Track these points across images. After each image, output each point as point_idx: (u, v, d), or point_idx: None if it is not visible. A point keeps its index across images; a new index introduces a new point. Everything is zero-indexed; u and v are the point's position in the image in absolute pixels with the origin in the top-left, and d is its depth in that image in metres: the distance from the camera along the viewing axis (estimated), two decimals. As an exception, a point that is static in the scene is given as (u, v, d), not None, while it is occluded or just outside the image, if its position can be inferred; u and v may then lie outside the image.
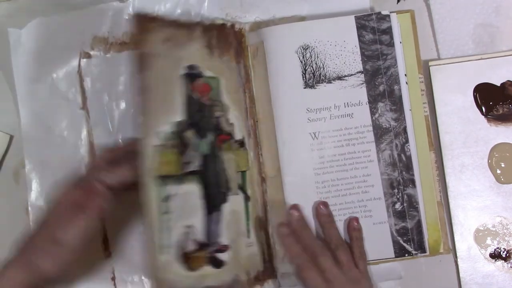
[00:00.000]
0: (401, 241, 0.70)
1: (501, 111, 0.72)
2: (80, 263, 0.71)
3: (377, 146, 0.70)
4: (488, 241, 0.71)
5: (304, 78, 0.70)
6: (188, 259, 0.66)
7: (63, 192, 0.63)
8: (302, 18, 0.74)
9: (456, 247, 0.71)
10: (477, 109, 0.73)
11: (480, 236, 0.71)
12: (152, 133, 0.65)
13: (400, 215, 0.70)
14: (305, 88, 0.70)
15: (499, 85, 0.72)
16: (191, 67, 0.69)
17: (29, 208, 0.74)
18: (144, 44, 0.65)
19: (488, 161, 0.72)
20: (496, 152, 0.72)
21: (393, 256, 0.70)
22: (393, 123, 0.70)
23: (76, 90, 0.75)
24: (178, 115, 0.67)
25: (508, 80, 0.72)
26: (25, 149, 0.74)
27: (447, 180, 0.72)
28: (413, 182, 0.70)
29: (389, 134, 0.70)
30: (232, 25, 0.72)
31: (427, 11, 0.75)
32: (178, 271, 0.65)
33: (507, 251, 0.71)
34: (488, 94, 0.72)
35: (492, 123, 0.72)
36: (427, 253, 0.70)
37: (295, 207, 0.69)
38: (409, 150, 0.70)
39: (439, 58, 0.74)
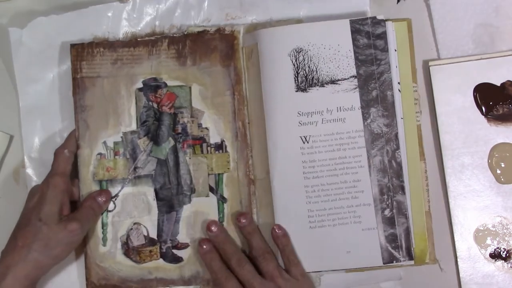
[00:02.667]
0: (390, 248, 0.69)
1: (501, 111, 0.72)
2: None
3: (368, 151, 0.70)
4: (488, 241, 0.71)
5: (296, 81, 0.70)
6: (136, 252, 0.72)
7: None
8: (300, 21, 0.74)
9: (456, 247, 0.71)
10: (477, 109, 0.73)
11: (480, 236, 0.71)
12: (95, 144, 0.72)
13: (389, 222, 0.69)
14: (297, 91, 0.70)
15: (499, 85, 0.73)
16: (151, 79, 0.73)
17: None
18: (81, 71, 0.73)
19: (488, 161, 0.72)
20: (496, 152, 0.72)
21: (381, 263, 0.69)
22: (384, 129, 0.70)
23: (77, 89, 0.75)
24: (131, 125, 0.73)
25: (508, 80, 0.72)
26: (25, 149, 0.74)
27: (447, 180, 0.72)
28: (402, 188, 0.70)
29: (380, 140, 0.70)
30: (219, 30, 0.73)
31: (427, 11, 0.75)
32: (123, 261, 0.72)
33: (507, 251, 0.71)
34: (488, 94, 0.72)
35: (492, 123, 0.72)
36: (414, 261, 0.70)
37: (213, 223, 0.70)
38: (400, 156, 0.70)
39: (439, 58, 0.74)
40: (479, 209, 0.72)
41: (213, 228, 0.70)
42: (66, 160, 0.70)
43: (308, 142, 0.70)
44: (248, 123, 0.73)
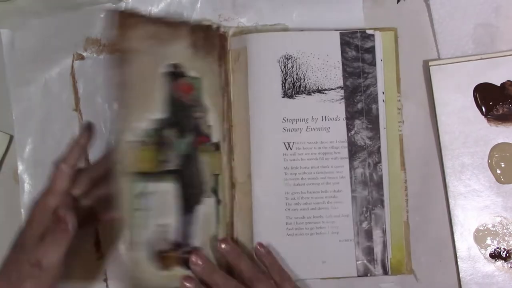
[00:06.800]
0: (365, 261, 0.70)
1: (501, 111, 0.72)
2: (73, 265, 0.71)
3: (350, 163, 0.70)
4: (488, 241, 0.71)
5: (284, 87, 0.70)
6: (161, 258, 0.66)
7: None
8: (286, 28, 0.74)
9: (456, 247, 0.71)
10: (477, 109, 0.72)
11: (480, 236, 0.71)
12: (128, 129, 0.65)
13: (366, 234, 0.70)
14: (283, 97, 0.70)
15: (499, 85, 0.72)
16: (175, 65, 0.69)
17: (22, 211, 0.74)
18: (124, 40, 0.66)
19: (488, 161, 0.72)
20: (496, 152, 0.72)
21: (355, 275, 0.70)
22: (368, 141, 0.70)
23: (69, 91, 0.75)
24: (158, 112, 0.67)
25: (508, 80, 0.72)
26: (17, 151, 0.74)
27: (447, 180, 0.72)
28: (382, 202, 0.70)
29: (363, 152, 0.70)
30: (218, 27, 0.72)
31: (427, 11, 0.74)
32: (149, 270, 0.65)
33: (507, 251, 0.71)
34: (488, 94, 0.72)
35: (492, 123, 0.72)
36: (389, 275, 0.70)
37: (196, 257, 0.66)
38: (381, 170, 0.70)
39: (439, 58, 0.73)
40: (479, 209, 0.71)
41: (199, 261, 0.66)
42: (64, 177, 0.63)
43: (291, 149, 0.70)
44: (231, 126, 0.72)
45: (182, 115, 0.68)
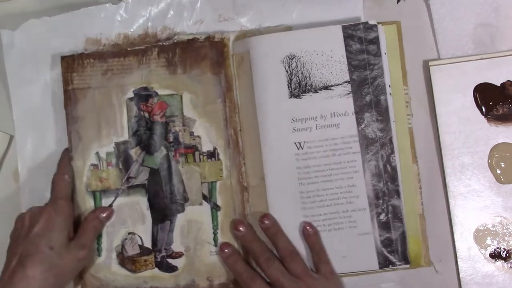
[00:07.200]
0: (385, 252, 0.69)
1: (501, 111, 0.72)
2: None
3: (363, 156, 0.69)
4: (488, 241, 0.71)
5: (290, 87, 0.70)
6: (131, 262, 0.72)
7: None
8: (289, 28, 0.74)
9: (456, 247, 0.71)
10: (477, 109, 0.72)
11: (480, 236, 0.71)
12: (88, 155, 0.73)
13: (384, 226, 0.69)
14: (290, 97, 0.70)
15: (499, 85, 0.72)
16: (142, 89, 0.73)
17: (22, 210, 0.73)
18: (73, 82, 0.73)
19: (488, 161, 0.72)
20: (496, 152, 0.72)
21: (377, 267, 0.69)
22: (379, 133, 0.70)
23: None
24: (123, 135, 0.73)
25: (508, 80, 0.72)
26: (18, 151, 0.74)
27: (447, 180, 0.72)
28: (398, 193, 0.69)
29: (375, 144, 0.70)
30: (209, 37, 0.73)
31: (427, 11, 0.75)
32: (118, 271, 0.72)
33: (507, 251, 0.71)
34: (488, 94, 0.72)
35: (492, 123, 0.72)
36: (410, 264, 0.70)
37: (240, 222, 0.70)
38: (395, 160, 0.69)
39: (439, 58, 0.74)
40: (479, 209, 0.72)
41: (241, 228, 0.69)
42: (67, 185, 0.71)
43: (302, 148, 0.70)
44: (240, 130, 0.72)
45: (151, 133, 0.73)
